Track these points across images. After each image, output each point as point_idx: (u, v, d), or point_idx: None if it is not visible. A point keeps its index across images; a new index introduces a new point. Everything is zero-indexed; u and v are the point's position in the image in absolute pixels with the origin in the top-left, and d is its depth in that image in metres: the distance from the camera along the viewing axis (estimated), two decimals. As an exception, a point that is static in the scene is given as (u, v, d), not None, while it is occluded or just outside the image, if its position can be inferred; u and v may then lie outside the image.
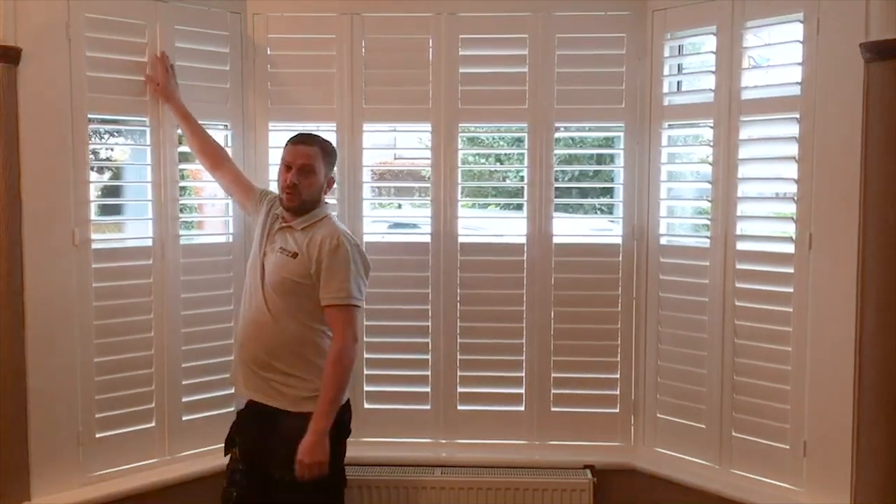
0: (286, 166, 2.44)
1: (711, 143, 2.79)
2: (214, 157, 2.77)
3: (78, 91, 2.59)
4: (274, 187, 2.69)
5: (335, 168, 2.59)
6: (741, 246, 2.74)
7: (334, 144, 2.63)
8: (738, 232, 2.74)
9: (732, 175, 2.74)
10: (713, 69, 2.77)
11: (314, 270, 2.35)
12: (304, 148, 2.45)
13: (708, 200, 2.82)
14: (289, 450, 2.27)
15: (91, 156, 2.68)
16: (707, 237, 2.82)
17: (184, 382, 2.87)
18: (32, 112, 2.49)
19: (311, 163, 2.43)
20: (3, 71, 2.41)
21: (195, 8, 2.84)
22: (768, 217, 2.84)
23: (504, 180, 3.53)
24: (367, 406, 3.08)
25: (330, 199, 2.74)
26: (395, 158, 3.76)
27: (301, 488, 2.29)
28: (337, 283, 2.33)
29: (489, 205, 3.48)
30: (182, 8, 2.81)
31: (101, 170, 3.03)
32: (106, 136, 3.13)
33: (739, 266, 2.73)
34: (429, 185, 3.05)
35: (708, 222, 2.82)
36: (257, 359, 2.42)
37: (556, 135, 3.02)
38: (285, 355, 2.39)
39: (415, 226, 3.25)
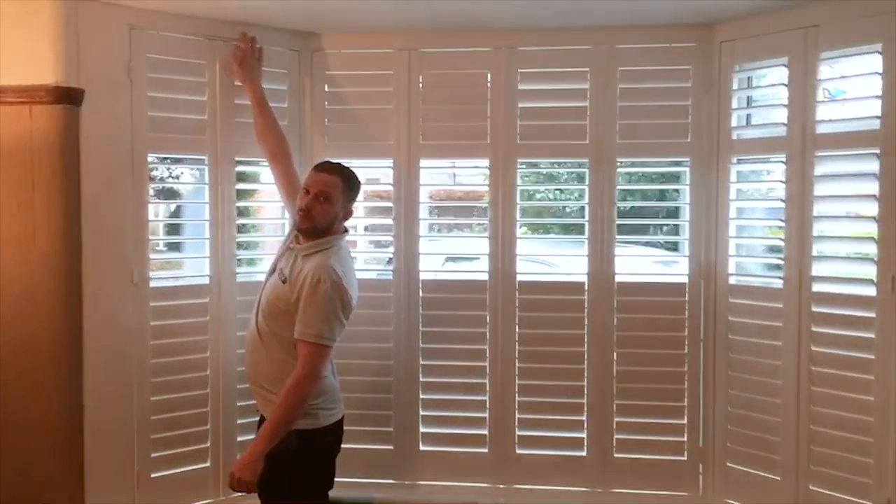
0: (305, 190, 2.45)
1: (784, 180, 2.66)
2: (275, 150, 2.75)
3: (139, 130, 2.61)
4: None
5: (354, 199, 2.54)
6: (818, 288, 2.59)
7: (358, 177, 2.56)
8: (814, 273, 2.60)
9: (807, 213, 2.60)
10: (785, 102, 2.66)
11: (294, 300, 2.35)
12: (326, 176, 2.45)
13: (781, 239, 2.68)
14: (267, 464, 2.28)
15: (150, 194, 2.70)
16: (780, 278, 2.69)
17: (239, 421, 2.84)
18: (94, 152, 2.52)
19: (328, 190, 2.42)
20: (66, 112, 2.45)
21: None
22: (847, 258, 2.68)
23: (564, 210, 3.43)
24: (422, 448, 3.01)
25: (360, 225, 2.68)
26: (453, 192, 3.71)
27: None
28: (308, 320, 2.31)
29: (549, 239, 3.40)
30: (242, 47, 2.83)
31: (160, 208, 3.04)
32: (165, 175, 3.16)
33: (816, 309, 2.59)
34: (486, 220, 2.98)
35: (781, 262, 2.69)
36: (251, 375, 2.48)
37: (619, 170, 2.93)
38: (270, 377, 2.40)
39: (473, 259, 3.19)
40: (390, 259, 3.03)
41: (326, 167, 2.50)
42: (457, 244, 3.55)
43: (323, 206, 2.42)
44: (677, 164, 2.99)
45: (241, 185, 2.87)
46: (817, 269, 2.60)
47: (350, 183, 2.50)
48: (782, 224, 2.68)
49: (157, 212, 2.90)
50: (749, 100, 2.91)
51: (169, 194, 3.16)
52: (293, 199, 2.61)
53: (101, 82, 2.53)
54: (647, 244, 3.20)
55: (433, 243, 3.21)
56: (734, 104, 2.83)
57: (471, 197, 3.30)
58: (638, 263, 3.03)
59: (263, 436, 2.29)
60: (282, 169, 2.75)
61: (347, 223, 2.55)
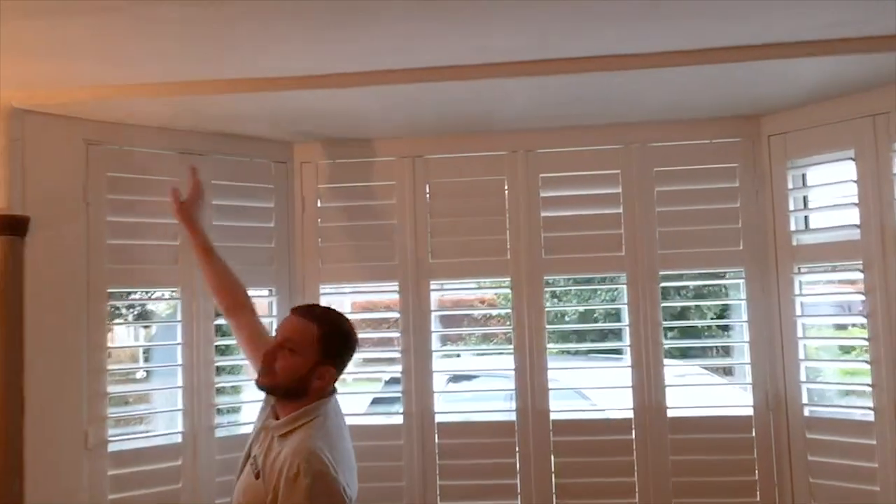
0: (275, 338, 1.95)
1: (864, 291, 2.26)
2: (232, 301, 2.24)
3: (96, 263, 2.22)
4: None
5: (340, 358, 1.96)
6: (919, 420, 2.15)
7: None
8: (914, 403, 2.16)
9: (897, 330, 2.19)
10: (855, 200, 2.29)
11: (269, 501, 1.79)
12: (297, 320, 1.94)
13: (866, 362, 2.26)
14: None
15: (109, 338, 2.26)
16: (870, 408, 2.24)
17: None
18: (40, 291, 2.12)
19: (296, 338, 1.90)
20: (8, 245, 2.05)
21: (235, 160, 2.50)
22: (954, 384, 2.25)
23: (600, 333, 3.01)
24: None
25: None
26: (472, 313, 3.30)
27: None
28: None
29: (585, 368, 2.96)
30: (221, 160, 2.48)
31: (121, 353, 2.60)
32: (129, 313, 2.74)
33: (920, 447, 2.14)
34: (511, 349, 2.55)
35: (868, 389, 2.25)
36: None
37: (662, 285, 2.53)
38: None
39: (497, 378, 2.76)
40: (387, 399, 2.58)
41: (301, 310, 1.98)
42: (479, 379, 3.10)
43: (286, 361, 1.88)
44: (728, 275, 2.60)
45: (220, 321, 2.43)
46: (917, 397, 2.17)
47: (330, 334, 1.92)
48: (865, 344, 2.26)
49: (119, 357, 2.45)
50: (805, 199, 2.54)
51: (133, 336, 2.72)
52: (258, 360, 2.03)
53: (52, 207, 2.16)
54: (700, 370, 2.76)
55: (442, 361, 2.77)
56: (791, 205, 2.46)
57: (487, 321, 2.89)
58: (693, 394, 2.58)
59: None
60: (244, 321, 2.22)
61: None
